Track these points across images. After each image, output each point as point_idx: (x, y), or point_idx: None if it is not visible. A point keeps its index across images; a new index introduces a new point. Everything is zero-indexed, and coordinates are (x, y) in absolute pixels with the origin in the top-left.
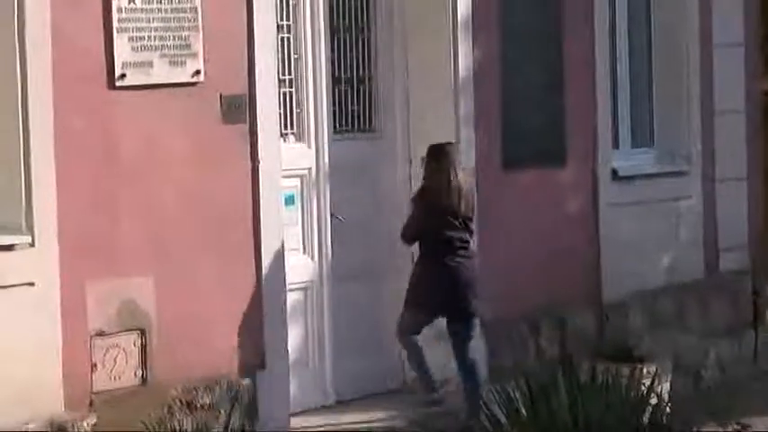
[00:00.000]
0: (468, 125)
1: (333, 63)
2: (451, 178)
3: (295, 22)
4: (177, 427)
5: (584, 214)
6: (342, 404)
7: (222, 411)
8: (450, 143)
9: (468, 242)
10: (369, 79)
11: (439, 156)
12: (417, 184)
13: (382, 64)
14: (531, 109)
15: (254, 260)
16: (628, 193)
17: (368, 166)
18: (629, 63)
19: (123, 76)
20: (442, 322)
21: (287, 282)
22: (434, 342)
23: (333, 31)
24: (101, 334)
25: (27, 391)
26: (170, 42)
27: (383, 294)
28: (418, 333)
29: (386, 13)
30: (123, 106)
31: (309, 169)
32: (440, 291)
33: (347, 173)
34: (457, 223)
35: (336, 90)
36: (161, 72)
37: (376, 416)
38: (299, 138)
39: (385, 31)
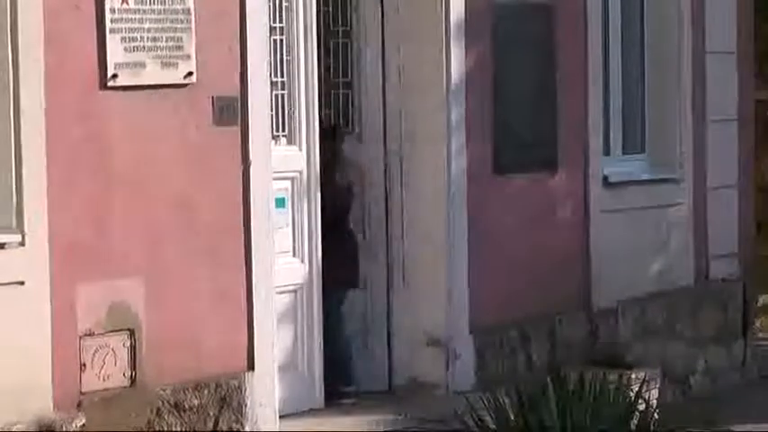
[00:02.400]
0: (460, 130)
1: (325, 66)
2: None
3: (287, 24)
4: (166, 429)
5: (575, 220)
6: (330, 407)
7: (211, 413)
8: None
9: None
10: (361, 83)
11: (337, 135)
12: (407, 187)
13: (374, 68)
14: (523, 115)
15: (243, 262)
16: (619, 200)
17: (359, 170)
18: (621, 69)
19: (115, 76)
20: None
21: (276, 284)
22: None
23: (325, 34)
24: (90, 334)
25: (15, 391)
26: (163, 44)
27: (372, 297)
28: None
29: (379, 17)
30: (115, 107)
31: (300, 172)
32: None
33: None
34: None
35: (328, 93)
36: (153, 73)
37: (364, 419)
38: (290, 140)
39: (378, 36)
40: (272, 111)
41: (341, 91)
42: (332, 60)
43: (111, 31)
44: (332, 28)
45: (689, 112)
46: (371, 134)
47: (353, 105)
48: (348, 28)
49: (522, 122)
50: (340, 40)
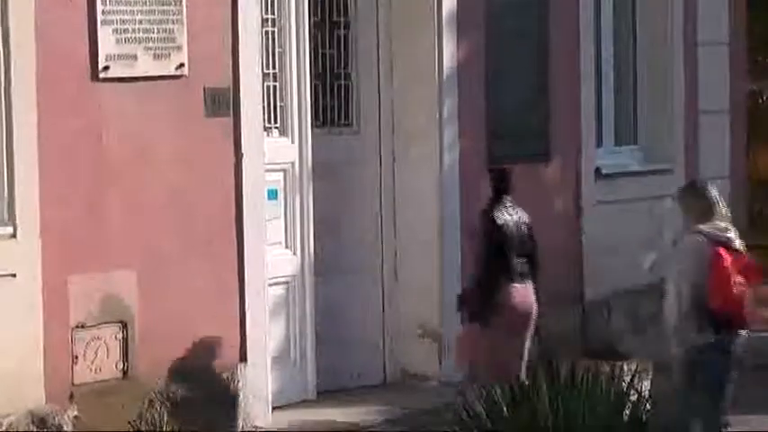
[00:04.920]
0: (453, 122)
1: (317, 58)
2: None
3: (280, 15)
4: (158, 421)
5: (568, 212)
6: (323, 398)
7: (203, 405)
8: None
9: None
10: (353, 75)
11: None
12: (400, 179)
13: (367, 60)
14: (516, 107)
15: (236, 254)
16: (611, 192)
17: (351, 161)
18: (613, 61)
19: (107, 68)
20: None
21: (269, 276)
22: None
23: (317, 26)
24: (82, 326)
25: (8, 383)
26: (154, 35)
27: (365, 289)
28: None
29: (371, 9)
30: (106, 98)
31: (292, 164)
32: None
33: (330, 168)
34: None
35: (320, 85)
36: (145, 65)
37: (357, 411)
38: (282, 132)
39: (370, 28)
40: (264, 102)
41: (342, 82)
42: (335, 52)
43: (103, 22)
44: (335, 18)
45: (681, 104)
46: (366, 127)
47: (351, 99)
48: (348, 19)
49: (514, 114)
50: (342, 32)
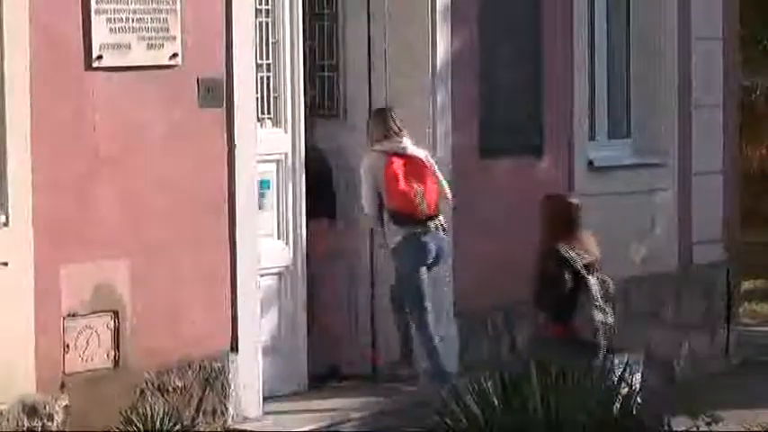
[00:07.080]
0: (446, 114)
1: (311, 48)
2: None
3: (273, 6)
4: (149, 410)
5: None
6: (314, 389)
7: (194, 395)
8: None
9: None
10: (346, 66)
11: None
12: None
13: (360, 51)
14: (509, 99)
15: (228, 244)
16: (603, 185)
17: (344, 152)
18: (607, 54)
19: (100, 57)
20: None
21: (261, 266)
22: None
23: (311, 17)
24: (74, 315)
25: None
26: (148, 25)
27: (356, 280)
28: None
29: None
30: (100, 87)
31: (285, 154)
32: None
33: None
34: None
35: (314, 75)
36: (138, 54)
37: (348, 402)
38: (275, 122)
39: (363, 18)
40: (257, 93)
41: (326, 74)
42: (317, 43)
43: (97, 12)
44: (317, 10)
45: (674, 98)
46: (358, 118)
47: (339, 89)
48: (334, 11)
49: (507, 107)
50: (326, 23)
